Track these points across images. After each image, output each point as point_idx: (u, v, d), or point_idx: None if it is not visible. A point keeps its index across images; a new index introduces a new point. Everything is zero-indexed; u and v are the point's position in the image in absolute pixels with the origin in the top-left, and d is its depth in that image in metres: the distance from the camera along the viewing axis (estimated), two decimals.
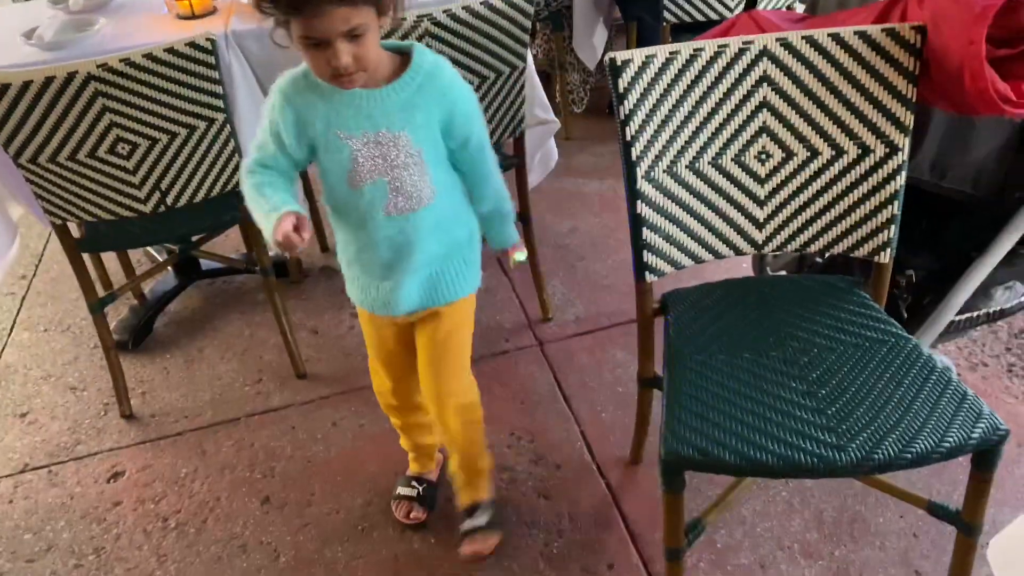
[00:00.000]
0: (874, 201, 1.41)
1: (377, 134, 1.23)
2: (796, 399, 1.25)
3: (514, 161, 2.06)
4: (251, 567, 1.68)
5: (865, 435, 1.16)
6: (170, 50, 1.69)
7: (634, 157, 1.37)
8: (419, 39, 1.74)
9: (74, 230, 1.98)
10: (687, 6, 2.71)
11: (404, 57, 1.25)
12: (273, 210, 1.20)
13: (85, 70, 1.65)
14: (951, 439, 1.14)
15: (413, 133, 1.24)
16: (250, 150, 1.30)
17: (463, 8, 1.73)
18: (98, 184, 1.81)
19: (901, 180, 1.39)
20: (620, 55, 1.33)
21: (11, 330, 2.47)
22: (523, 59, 1.89)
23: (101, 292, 2.08)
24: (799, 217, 1.47)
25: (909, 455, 1.13)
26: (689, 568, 1.58)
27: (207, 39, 1.70)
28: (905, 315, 1.87)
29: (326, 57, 1.12)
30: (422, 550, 1.67)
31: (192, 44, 1.70)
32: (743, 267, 2.33)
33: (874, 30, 1.33)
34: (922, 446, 1.14)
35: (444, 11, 1.73)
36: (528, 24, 1.84)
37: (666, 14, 2.72)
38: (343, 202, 1.31)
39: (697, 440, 1.18)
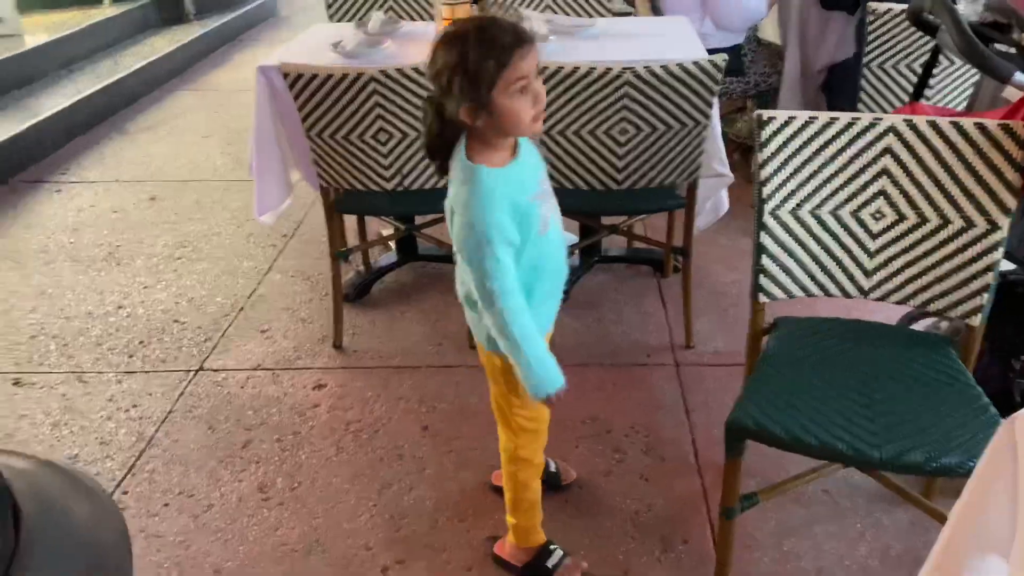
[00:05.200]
0: (972, 269, 1.63)
1: (539, 180, 1.50)
2: (854, 408, 1.49)
3: (683, 202, 2.41)
4: (403, 471, 2.12)
5: (901, 442, 1.39)
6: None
7: (764, 195, 1.69)
8: (619, 87, 2.16)
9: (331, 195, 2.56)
10: (881, 102, 2.94)
11: None
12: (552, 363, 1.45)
13: (369, 74, 2.21)
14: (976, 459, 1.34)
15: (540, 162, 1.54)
16: (500, 271, 1.38)
17: (661, 67, 2.13)
18: (359, 160, 2.37)
19: (998, 255, 1.60)
20: (767, 113, 1.66)
21: (268, 271, 3.13)
22: (707, 116, 2.24)
23: (341, 248, 2.64)
24: (903, 273, 1.70)
25: (934, 465, 1.35)
26: (755, 559, 1.82)
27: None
28: (1018, 399, 2.00)
29: (531, 98, 1.34)
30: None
31: None
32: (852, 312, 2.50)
33: (991, 124, 1.57)
34: (949, 461, 1.36)
35: (645, 67, 2.13)
36: (715, 88, 2.20)
37: (860, 107, 2.96)
38: (539, 253, 1.48)
39: (758, 415, 1.47)
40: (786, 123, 1.66)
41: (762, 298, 1.75)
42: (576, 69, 2.16)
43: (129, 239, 3.42)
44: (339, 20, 3.31)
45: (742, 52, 3.27)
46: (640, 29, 2.83)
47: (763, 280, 1.74)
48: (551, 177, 2.31)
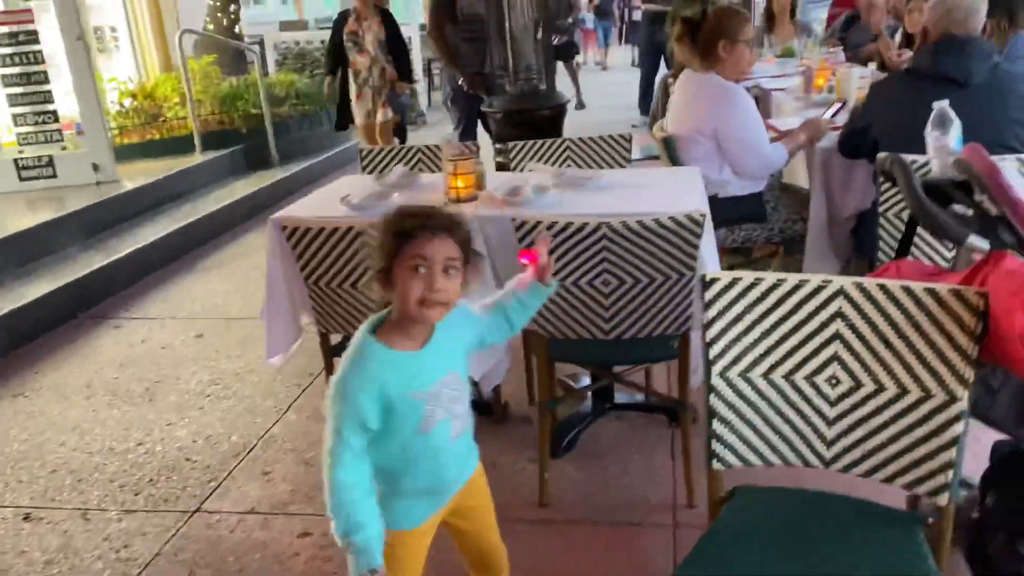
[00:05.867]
0: (934, 443, 1.50)
1: (436, 383, 1.46)
2: None
3: (674, 353, 2.34)
4: None
5: None
6: None
7: (711, 356, 1.63)
8: (598, 240, 2.17)
9: (334, 338, 2.62)
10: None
11: None
12: (376, 535, 1.40)
13: (358, 227, 2.30)
14: None
15: (459, 367, 1.51)
16: (339, 443, 1.39)
17: (636, 221, 2.13)
18: (352, 307, 2.43)
19: (960, 428, 1.47)
20: (711, 274, 1.63)
21: (286, 411, 3.19)
22: (691, 268, 2.21)
23: None
24: (865, 443, 1.58)
25: None
26: None
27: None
28: None
29: (423, 282, 1.37)
30: None
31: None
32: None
33: (943, 289, 1.48)
34: None
35: (621, 222, 2.14)
36: (696, 241, 2.17)
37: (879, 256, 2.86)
38: (411, 448, 1.46)
39: None
40: (731, 284, 1.61)
41: (717, 465, 1.66)
42: (555, 223, 2.18)
43: (168, 375, 3.57)
44: (374, 171, 3.48)
45: (764, 199, 3.24)
46: (647, 181, 2.85)
47: (717, 446, 1.65)
48: (542, 325, 2.33)
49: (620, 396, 2.98)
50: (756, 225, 3.24)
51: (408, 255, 1.39)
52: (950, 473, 1.49)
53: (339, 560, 2.29)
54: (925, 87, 2.59)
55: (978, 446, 1.94)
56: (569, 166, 3.26)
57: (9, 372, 3.71)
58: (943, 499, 1.51)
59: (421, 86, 9.60)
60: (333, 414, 1.41)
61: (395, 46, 5.96)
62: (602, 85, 12.14)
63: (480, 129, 5.49)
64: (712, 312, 1.62)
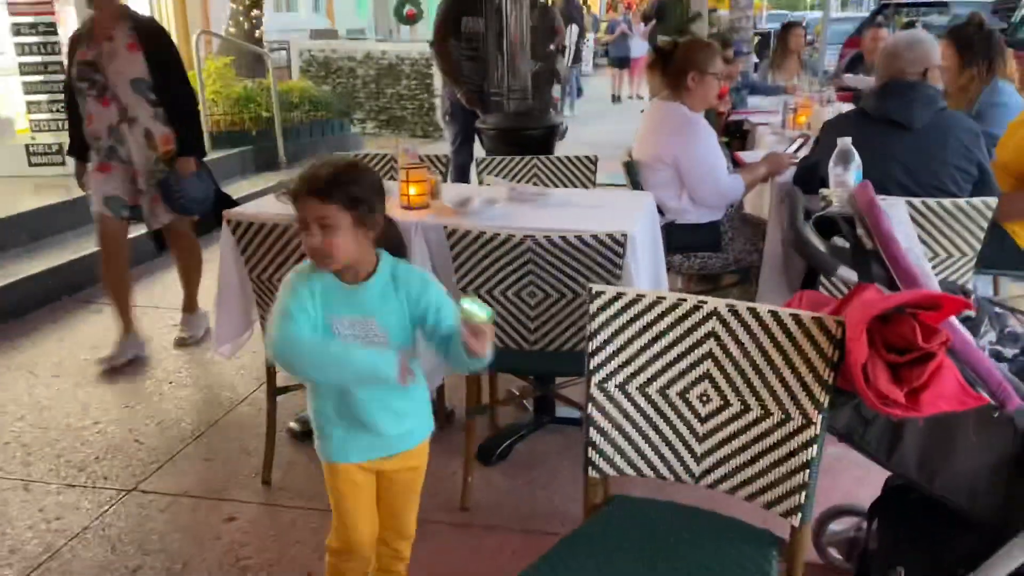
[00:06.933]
0: (790, 465, 1.55)
1: (353, 318, 1.66)
2: None
3: None
4: None
5: None
6: None
7: (591, 366, 1.68)
8: (523, 253, 2.24)
9: None
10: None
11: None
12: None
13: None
14: None
15: (381, 319, 1.66)
16: (284, 316, 1.62)
17: (560, 237, 2.20)
18: None
19: (813, 452, 1.52)
20: (596, 287, 1.69)
21: (240, 402, 3.27)
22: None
23: None
24: (731, 461, 1.63)
25: None
26: None
27: None
28: None
29: (305, 240, 1.59)
30: None
31: None
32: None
33: (805, 315, 1.53)
34: None
35: (545, 236, 2.21)
36: (618, 261, 2.23)
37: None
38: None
39: None
40: (615, 298, 1.67)
41: (592, 473, 1.71)
42: (482, 233, 2.26)
43: (136, 361, 3.67)
44: None
45: (721, 228, 3.29)
46: (594, 201, 2.92)
47: (593, 454, 1.71)
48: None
49: (563, 411, 3.03)
50: (712, 253, 3.29)
51: (297, 216, 1.59)
52: (803, 494, 1.53)
53: (256, 546, 2.37)
54: (872, 127, 2.64)
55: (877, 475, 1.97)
56: (533, 183, 3.34)
57: None
58: (796, 519, 1.55)
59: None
60: (278, 306, 1.64)
61: (166, 86, 3.43)
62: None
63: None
64: (595, 324, 1.68)
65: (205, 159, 3.74)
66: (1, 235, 4.67)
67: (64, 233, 5.10)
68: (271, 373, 2.67)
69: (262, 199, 3.02)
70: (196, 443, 2.96)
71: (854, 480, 2.38)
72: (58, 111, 5.91)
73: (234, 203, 3.50)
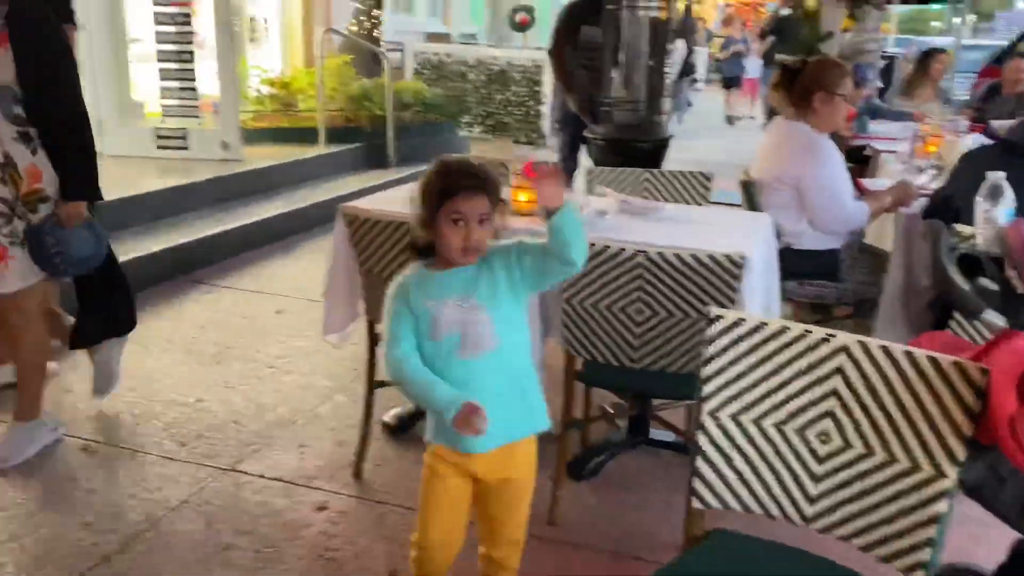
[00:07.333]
0: (916, 517, 1.44)
1: (453, 299, 1.65)
2: None
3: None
4: None
5: None
6: None
7: (705, 393, 1.61)
8: (634, 268, 2.18)
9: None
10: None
11: None
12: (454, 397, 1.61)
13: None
14: None
15: (479, 296, 1.65)
16: (390, 338, 1.69)
17: (674, 254, 2.13)
18: None
19: (944, 506, 1.41)
20: (716, 310, 1.62)
21: (337, 392, 3.32)
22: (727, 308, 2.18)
23: None
24: (847, 506, 1.53)
25: None
26: None
27: None
28: None
29: (464, 233, 1.61)
30: None
31: None
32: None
33: (945, 359, 1.42)
34: None
35: (658, 252, 2.14)
36: (734, 283, 2.15)
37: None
38: (429, 356, 1.68)
39: None
40: (735, 324, 1.60)
41: (696, 504, 1.64)
42: (592, 245, 2.20)
43: (241, 343, 3.78)
44: None
45: (840, 257, 3.14)
46: (709, 218, 2.83)
47: (698, 485, 1.63)
48: (573, 345, 2.35)
49: (658, 433, 2.95)
50: (828, 282, 3.15)
51: (449, 210, 1.61)
52: (928, 551, 1.42)
53: (345, 538, 2.39)
54: (1018, 161, 2.46)
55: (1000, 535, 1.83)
56: (643, 197, 3.27)
57: None
58: None
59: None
60: (384, 325, 1.71)
61: (39, 99, 2.43)
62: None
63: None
64: (712, 350, 1.61)
65: (97, 203, 2.68)
66: (125, 213, 4.88)
67: (184, 214, 5.31)
68: (371, 366, 2.68)
69: (374, 195, 3.05)
70: (292, 429, 3.01)
71: (969, 537, 2.22)
72: (186, 98, 6.20)
73: (131, 303, 2.91)
